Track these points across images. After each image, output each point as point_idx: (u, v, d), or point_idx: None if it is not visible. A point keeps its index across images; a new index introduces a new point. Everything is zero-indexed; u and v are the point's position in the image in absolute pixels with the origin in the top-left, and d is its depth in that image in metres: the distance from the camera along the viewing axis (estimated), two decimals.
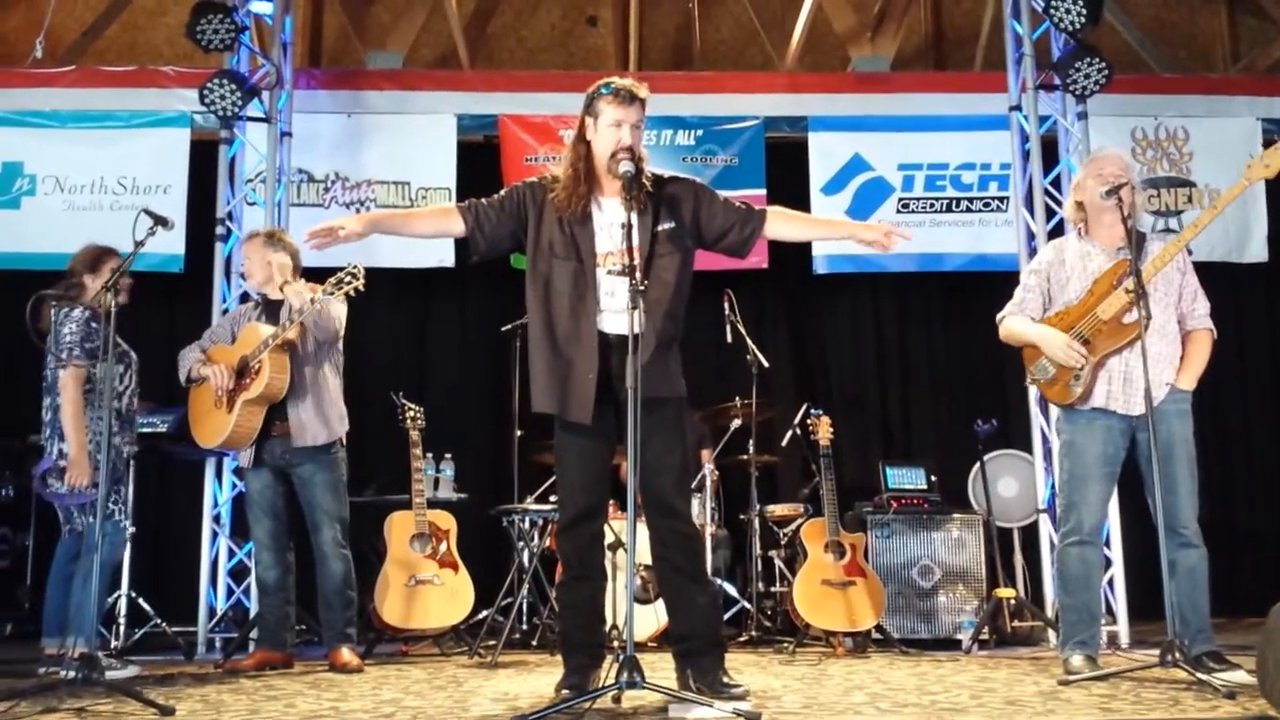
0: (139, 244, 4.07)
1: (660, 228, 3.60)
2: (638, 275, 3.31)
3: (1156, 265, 4.07)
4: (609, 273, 3.52)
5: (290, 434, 4.77)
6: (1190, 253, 4.28)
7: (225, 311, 6.17)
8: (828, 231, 3.76)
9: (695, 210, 3.66)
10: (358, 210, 6.90)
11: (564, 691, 3.49)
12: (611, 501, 5.74)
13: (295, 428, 4.77)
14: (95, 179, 6.79)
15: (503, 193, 3.70)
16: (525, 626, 5.71)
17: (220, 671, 4.70)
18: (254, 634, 5.18)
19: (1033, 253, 6.16)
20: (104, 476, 3.88)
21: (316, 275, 5.09)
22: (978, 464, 6.15)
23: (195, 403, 4.89)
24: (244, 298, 6.05)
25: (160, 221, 4.07)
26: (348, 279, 4.65)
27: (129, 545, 5.60)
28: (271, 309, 4.94)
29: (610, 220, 3.56)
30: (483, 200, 3.67)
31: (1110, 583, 5.71)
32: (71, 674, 3.63)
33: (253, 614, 5.54)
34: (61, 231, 6.60)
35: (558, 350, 3.53)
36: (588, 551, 3.68)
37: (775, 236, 3.76)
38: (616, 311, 3.50)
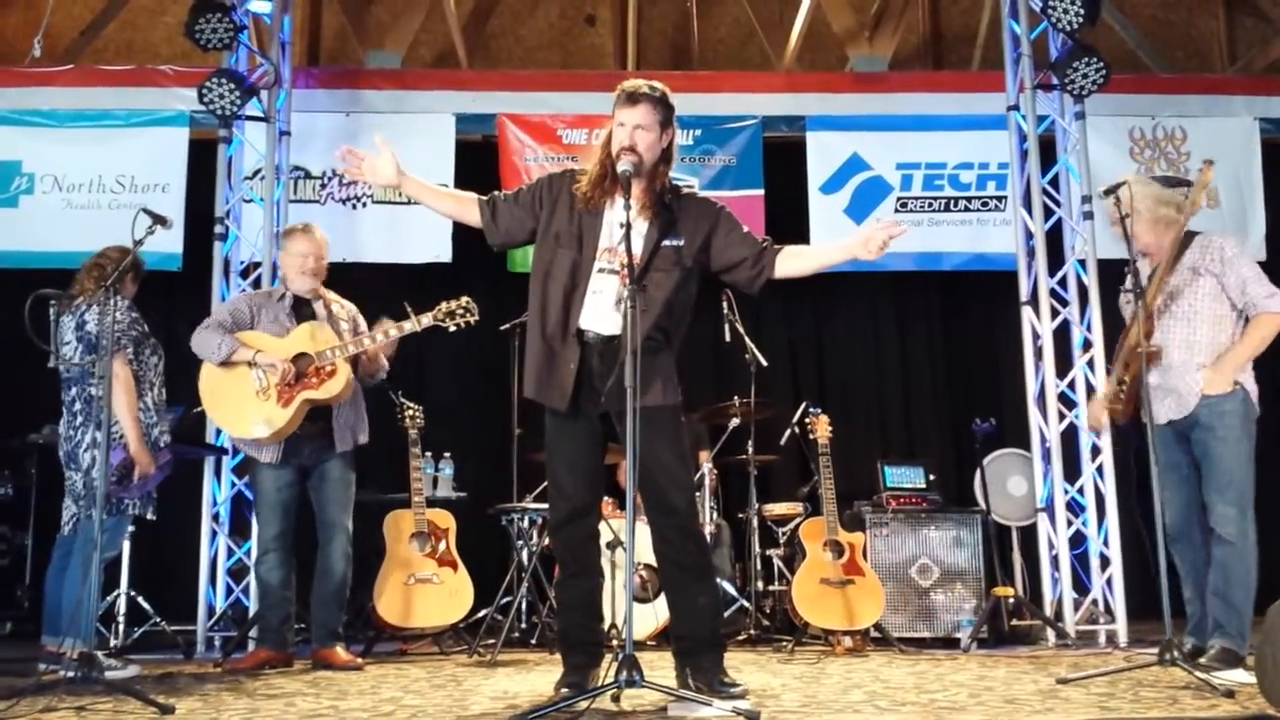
0: (138, 243, 4.08)
1: (666, 242, 3.60)
2: (631, 276, 3.32)
3: (1151, 294, 4.26)
4: (600, 270, 3.55)
5: (332, 435, 4.80)
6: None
7: None
8: (829, 260, 3.69)
9: (710, 235, 3.65)
10: (353, 206, 6.92)
11: (563, 690, 3.50)
12: (611, 500, 5.80)
13: (339, 430, 4.81)
14: (93, 178, 6.79)
15: (524, 187, 3.77)
16: (524, 625, 5.71)
17: (220, 670, 4.70)
18: (253, 633, 5.18)
19: (1030, 252, 6.18)
20: (102, 471, 3.88)
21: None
22: (985, 461, 6.16)
23: (223, 386, 4.71)
24: None
25: (159, 220, 4.07)
26: (460, 312, 4.75)
27: (128, 543, 5.63)
28: (300, 305, 4.93)
29: (619, 218, 3.56)
30: (501, 194, 3.75)
31: (1109, 582, 5.73)
32: (71, 673, 3.62)
33: (252, 613, 5.53)
34: (60, 230, 6.63)
35: (546, 337, 3.58)
36: (582, 550, 3.68)
37: (782, 276, 3.64)
38: (600, 310, 3.53)
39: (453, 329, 4.84)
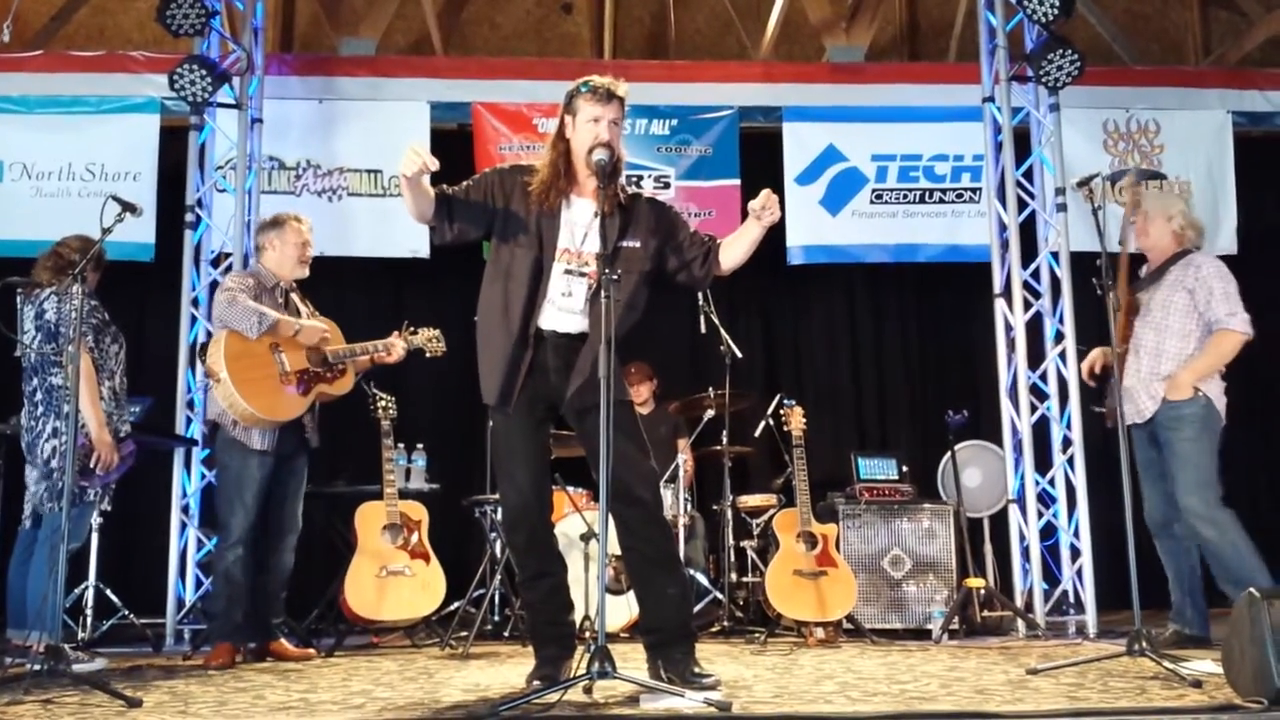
0: (106, 231, 4.04)
1: (623, 244, 3.59)
2: (608, 264, 3.31)
3: (1121, 295, 4.64)
4: (566, 271, 3.53)
5: (303, 432, 4.83)
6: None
7: (195, 300, 6.12)
8: (748, 238, 3.70)
9: (665, 238, 3.69)
10: (329, 199, 6.87)
11: (535, 682, 3.48)
12: (585, 492, 5.78)
13: (313, 429, 4.88)
14: (63, 165, 6.69)
15: (471, 181, 3.67)
16: (497, 618, 5.71)
17: (188, 664, 4.66)
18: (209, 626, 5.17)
19: (1004, 244, 6.20)
20: (69, 461, 3.84)
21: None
22: (947, 454, 6.18)
23: (249, 362, 4.58)
24: (213, 286, 5.98)
25: (129, 208, 4.04)
26: (434, 342, 5.14)
27: (96, 535, 5.57)
28: (288, 298, 4.91)
29: (577, 219, 3.57)
30: (452, 190, 3.62)
31: (1079, 573, 5.76)
32: (37, 666, 3.58)
33: (211, 605, 5.49)
34: (29, 219, 6.53)
35: (508, 340, 3.52)
36: (541, 547, 3.67)
37: (725, 267, 3.72)
38: (569, 311, 3.54)
39: (428, 355, 5.15)
